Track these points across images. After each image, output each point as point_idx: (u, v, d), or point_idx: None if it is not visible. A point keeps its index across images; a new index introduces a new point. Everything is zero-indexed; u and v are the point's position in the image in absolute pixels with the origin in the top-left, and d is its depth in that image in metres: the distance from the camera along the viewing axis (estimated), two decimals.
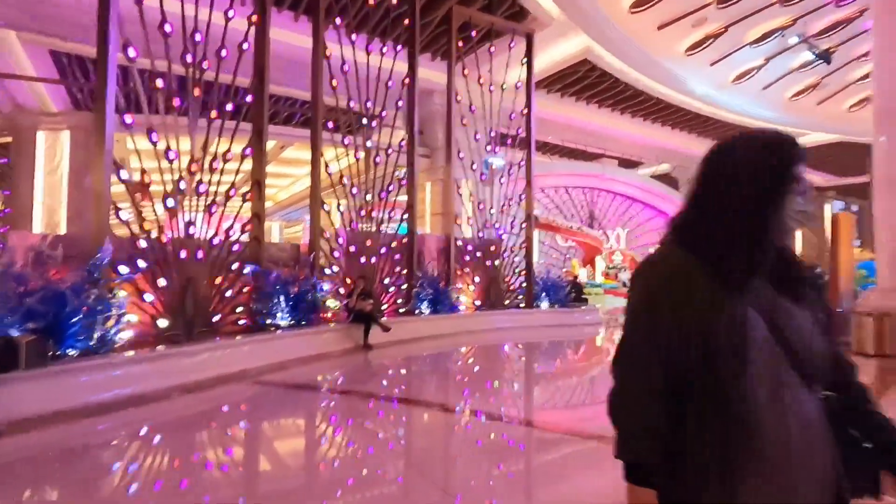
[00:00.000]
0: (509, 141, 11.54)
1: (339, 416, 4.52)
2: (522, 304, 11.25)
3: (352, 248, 8.81)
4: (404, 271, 9.59)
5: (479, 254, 10.75)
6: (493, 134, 11.17)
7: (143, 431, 3.96)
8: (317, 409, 4.71)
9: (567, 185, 23.84)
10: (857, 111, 22.22)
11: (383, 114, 9.42)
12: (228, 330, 6.80)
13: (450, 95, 10.65)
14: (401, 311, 9.43)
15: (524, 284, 11.31)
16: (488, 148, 11.13)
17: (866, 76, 19.61)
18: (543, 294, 11.32)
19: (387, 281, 9.27)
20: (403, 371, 7.00)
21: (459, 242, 10.57)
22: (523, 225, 11.47)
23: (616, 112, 20.80)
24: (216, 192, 6.80)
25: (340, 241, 8.72)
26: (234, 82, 7.04)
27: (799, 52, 17.13)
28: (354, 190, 8.97)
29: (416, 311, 9.55)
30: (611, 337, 10.37)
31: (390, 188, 9.49)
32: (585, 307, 11.72)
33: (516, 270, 11.26)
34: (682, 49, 16.26)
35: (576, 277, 15.03)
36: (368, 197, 9.15)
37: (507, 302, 11.06)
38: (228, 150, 6.96)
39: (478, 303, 10.70)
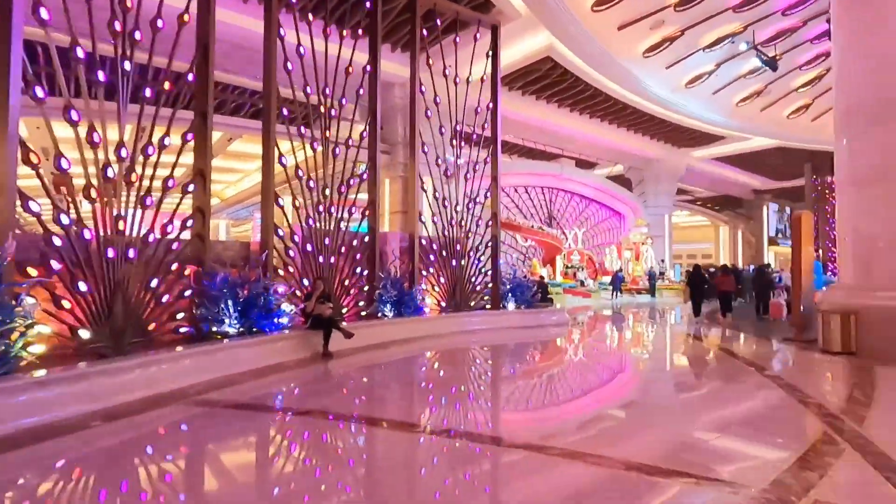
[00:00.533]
0: (474, 136, 11.13)
1: (294, 444, 3.85)
2: (489, 306, 10.87)
3: (308, 247, 8.08)
4: (366, 272, 8.96)
5: (444, 253, 10.26)
6: (458, 128, 10.69)
7: (51, 473, 3.18)
8: (267, 437, 3.98)
9: (526, 185, 23.83)
10: (795, 118, 23.49)
11: (343, 101, 8.74)
12: (167, 340, 5.96)
13: (413, 85, 10.10)
14: (363, 314, 8.79)
15: (490, 285, 10.93)
16: (453, 143, 10.66)
17: (805, 85, 20.74)
18: (510, 295, 10.98)
19: (347, 282, 8.61)
20: (367, 382, 6.38)
21: (423, 241, 10.04)
22: (489, 223, 11.08)
23: (575, 112, 20.93)
24: (151, 184, 5.93)
25: (296, 238, 7.98)
26: (173, 59, 6.18)
27: (747, 59, 17.79)
28: (311, 184, 8.24)
29: (379, 315, 8.94)
30: (582, 338, 10.16)
31: (351, 182, 8.83)
32: (552, 308, 11.50)
33: (482, 270, 10.85)
34: (641, 51, 16.47)
35: (542, 278, 14.85)
36: (327, 192, 8.44)
37: (472, 303, 10.63)
38: (166, 135, 6.10)
39: (443, 304, 10.21)
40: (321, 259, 8.19)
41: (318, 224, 8.28)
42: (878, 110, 7.03)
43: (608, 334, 10.99)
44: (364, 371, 6.78)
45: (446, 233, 10.36)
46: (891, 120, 6.85)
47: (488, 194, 11.20)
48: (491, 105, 11.18)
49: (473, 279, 10.70)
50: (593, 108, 20.43)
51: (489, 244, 11.01)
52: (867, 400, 4.66)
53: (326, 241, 8.31)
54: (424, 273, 10.06)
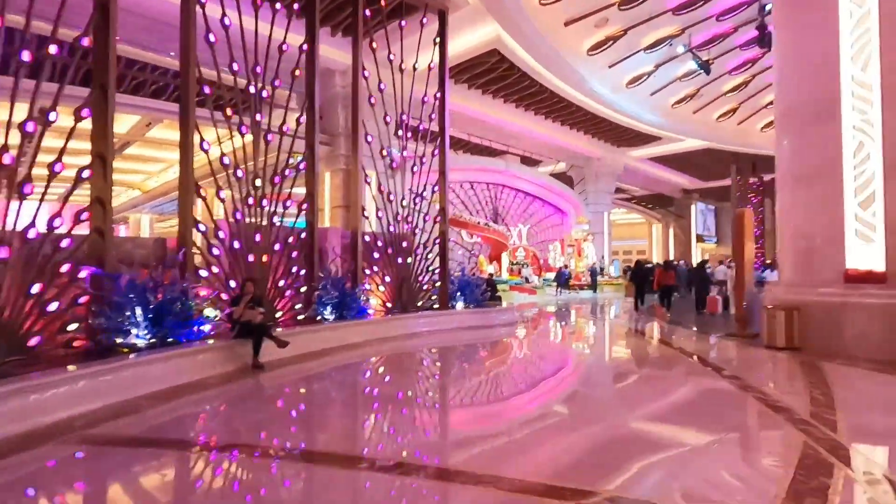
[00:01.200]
0: (421, 128, 10.56)
1: (208, 496, 3.05)
2: (436, 305, 10.37)
3: (236, 245, 7.19)
4: (303, 272, 8.16)
5: (389, 250, 9.63)
6: (404, 118, 10.08)
7: None
8: (171, 488, 3.08)
9: (472, 181, 23.56)
10: (723, 121, 24.81)
11: (277, 83, 7.87)
12: (58, 356, 4.95)
13: (356, 70, 9.37)
14: (300, 318, 8.00)
15: (438, 284, 10.43)
16: (398, 134, 10.03)
17: (733, 90, 21.89)
18: (458, 294, 10.54)
19: (282, 283, 7.78)
20: (304, 398, 5.67)
21: (367, 238, 9.35)
22: (437, 218, 10.57)
23: (520, 108, 20.85)
24: (31, 168, 4.89)
25: (221, 235, 7.05)
26: (60, 21, 5.13)
27: (684, 62, 18.42)
28: (240, 173, 7.33)
29: (319, 318, 8.19)
30: (531, 337, 9.90)
31: (287, 173, 7.99)
32: (501, 306, 11.19)
33: (429, 268, 10.33)
34: (585, 48, 16.56)
35: (491, 276, 14.55)
36: (258, 183, 7.56)
37: (420, 303, 10.09)
38: (52, 110, 5.06)
39: (389, 305, 9.59)
40: (251, 258, 7.32)
41: (248, 219, 7.39)
42: (816, 111, 7.18)
43: (556, 332, 10.83)
44: (299, 385, 6.04)
45: (391, 229, 9.73)
46: (828, 121, 7.01)
47: (436, 189, 10.67)
48: (438, 95, 10.64)
49: (421, 278, 10.15)
50: (538, 104, 20.44)
51: (437, 241, 10.50)
52: (827, 399, 4.59)
53: (257, 237, 7.45)
54: (368, 272, 9.39)
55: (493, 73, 16.92)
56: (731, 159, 29.77)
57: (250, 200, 7.42)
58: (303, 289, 8.16)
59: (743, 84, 21.20)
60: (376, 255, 9.47)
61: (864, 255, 6.67)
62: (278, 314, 7.66)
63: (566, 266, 22.19)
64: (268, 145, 7.74)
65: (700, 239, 42.84)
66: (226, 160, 7.16)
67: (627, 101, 20.86)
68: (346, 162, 16.10)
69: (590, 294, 21.87)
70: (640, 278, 12.82)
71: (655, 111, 22.39)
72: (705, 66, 17.78)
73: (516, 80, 17.80)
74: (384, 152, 9.72)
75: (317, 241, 8.38)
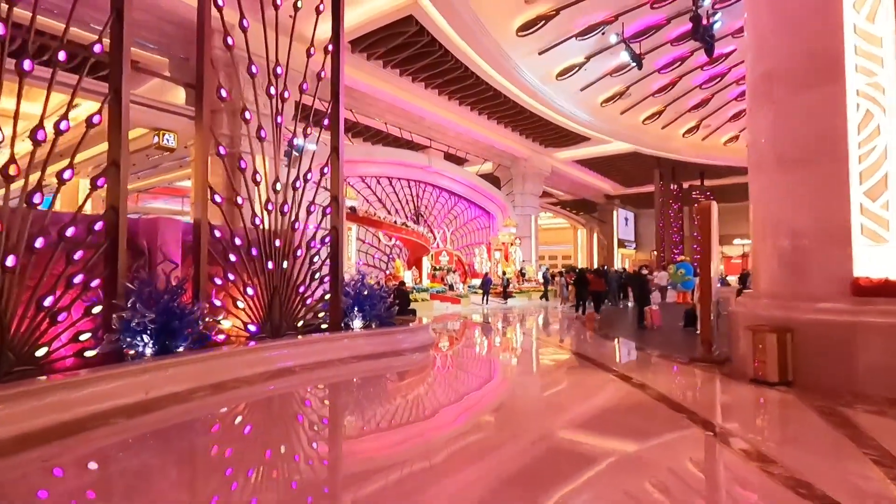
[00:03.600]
0: (314, 104, 7.99)
1: None
2: (326, 325, 7.80)
3: None
4: (96, 282, 5.27)
5: (254, 251, 6.93)
6: (287, 95, 7.52)
7: None
8: None
9: (390, 176, 21.10)
10: (649, 124, 24.40)
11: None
12: None
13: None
14: (89, 353, 5.11)
15: (328, 296, 7.86)
16: (270, 92, 7.39)
17: (661, 90, 21.33)
18: (355, 309, 8.04)
19: (51, 299, 4.84)
20: None
21: (218, 233, 6.60)
22: (327, 210, 8.02)
23: (444, 97, 18.77)
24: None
25: None
26: None
27: (615, 55, 17.30)
28: None
29: (130, 353, 5.35)
30: (449, 370, 7.58)
31: (63, 127, 5.05)
32: (414, 324, 8.79)
33: (316, 276, 7.74)
34: (515, 28, 14.78)
35: (402, 283, 12.06)
36: None
37: (300, 323, 7.45)
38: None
39: (253, 328, 6.88)
40: None
41: None
42: (808, 73, 5.58)
43: (485, 359, 8.58)
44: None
45: (258, 222, 7.04)
46: (826, 84, 5.41)
47: (326, 171, 8.12)
48: (332, 47, 8.11)
49: (302, 289, 7.53)
50: (464, 92, 18.46)
51: (326, 239, 7.95)
52: None
53: None
54: (220, 281, 6.63)
55: (411, 47, 14.63)
56: (654, 164, 29.91)
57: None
58: (96, 308, 5.26)
59: (670, 85, 20.66)
60: (233, 257, 6.73)
61: (875, 259, 5.08)
62: (41, 351, 4.73)
63: (489, 272, 20.23)
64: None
65: (622, 244, 43.48)
66: None
67: (556, 95, 19.50)
68: (229, 143, 13.06)
69: (519, 302, 20.18)
70: (582, 285, 11.69)
71: (584, 108, 21.31)
72: (637, 60, 16.74)
73: (439, 60, 15.64)
74: (263, 133, 7.03)
75: (123, 234, 5.50)
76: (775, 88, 5.96)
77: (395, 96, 17.95)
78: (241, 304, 6.81)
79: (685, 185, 33.34)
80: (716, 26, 15.73)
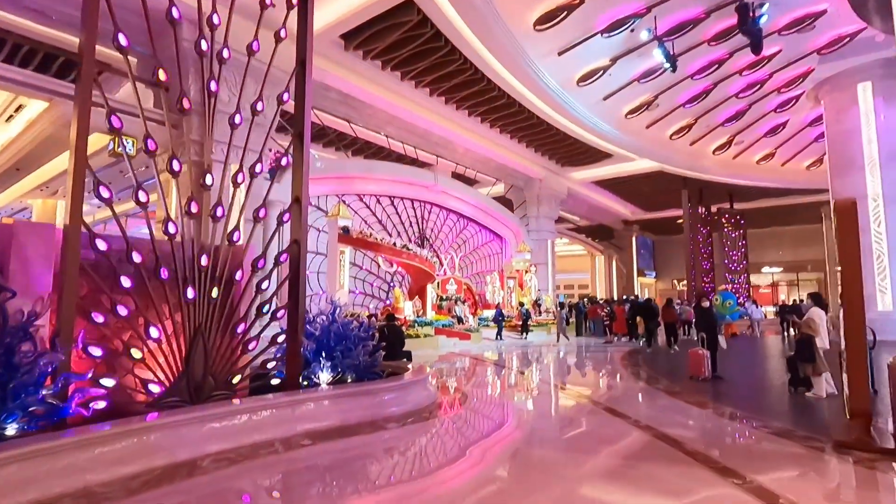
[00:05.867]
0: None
1: None
2: (277, 380, 5.44)
3: None
4: None
5: (164, 273, 4.65)
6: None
7: None
8: None
9: (392, 195, 19.00)
10: (677, 139, 22.23)
11: None
12: None
13: None
14: None
15: (282, 339, 5.53)
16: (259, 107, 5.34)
17: (692, 100, 19.24)
18: (323, 355, 5.68)
19: None
20: None
21: (103, 244, 4.34)
22: (285, 218, 5.78)
23: (451, 105, 16.81)
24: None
25: None
26: None
27: (644, 57, 15.31)
28: None
29: None
30: (458, 450, 5.11)
31: None
32: (407, 376, 6.33)
33: (266, 310, 5.43)
34: (532, 20, 12.84)
35: (390, 316, 9.57)
36: None
37: (237, 379, 5.09)
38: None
39: (156, 388, 4.54)
40: None
41: None
42: None
43: (517, 439, 6.03)
44: None
45: (174, 231, 4.81)
46: None
47: (287, 160, 5.94)
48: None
49: (242, 328, 5.21)
50: (473, 99, 16.49)
51: (283, 258, 5.68)
52: None
53: None
54: (101, 319, 4.34)
55: (412, 43, 12.70)
56: (681, 185, 27.59)
57: None
58: None
59: (703, 94, 18.57)
60: (127, 281, 4.46)
61: None
62: None
63: (522, 304, 17.44)
64: None
65: (641, 273, 40.79)
66: None
67: (577, 103, 17.45)
68: (199, 152, 11.06)
69: (539, 337, 17.63)
70: (651, 316, 11.76)
71: (607, 119, 19.21)
72: (672, 60, 14.70)
73: (444, 60, 13.70)
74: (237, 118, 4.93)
75: None
76: None
77: (396, 105, 16.02)
78: (144, 356, 4.49)
79: (713, 209, 30.88)
80: (762, 20, 13.68)
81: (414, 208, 20.06)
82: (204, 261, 4.93)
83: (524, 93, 16.03)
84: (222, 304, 5.06)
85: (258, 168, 5.59)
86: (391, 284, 18.25)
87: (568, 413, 6.56)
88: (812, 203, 29.74)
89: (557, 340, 15.48)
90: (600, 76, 16.15)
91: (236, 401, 4.87)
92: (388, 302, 16.59)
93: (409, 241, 18.63)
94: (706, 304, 8.05)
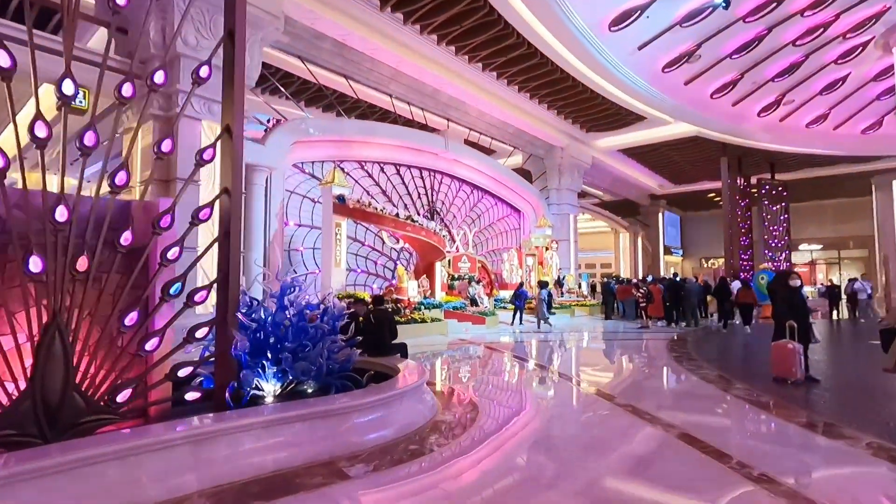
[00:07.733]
0: None
1: None
2: (197, 394, 3.70)
3: None
4: None
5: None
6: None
7: None
8: None
9: (397, 162, 17.07)
10: (720, 98, 19.72)
11: None
12: None
13: None
14: None
15: (201, 332, 3.76)
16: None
17: (741, 48, 16.73)
18: (268, 355, 3.91)
19: None
20: None
21: None
22: (206, 157, 3.95)
23: (462, 57, 14.70)
24: None
25: None
26: None
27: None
28: None
29: None
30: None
31: None
32: (389, 386, 4.52)
33: (174, 290, 3.64)
34: None
35: (378, 299, 7.31)
36: None
37: (122, 397, 3.35)
38: None
39: None
40: None
41: None
42: None
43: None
44: None
45: (5, 166, 3.03)
46: None
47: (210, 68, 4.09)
48: None
49: (132, 319, 3.45)
50: (489, 48, 14.35)
51: (202, 214, 3.87)
52: None
53: None
54: None
55: None
56: (719, 152, 25.06)
57: None
58: None
59: (755, 40, 16.05)
60: None
61: None
62: None
63: (546, 284, 15.30)
64: None
65: (668, 251, 38.36)
66: None
67: (608, 51, 15.14)
68: (163, 106, 9.28)
69: (563, 320, 15.73)
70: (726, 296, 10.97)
71: (641, 72, 16.86)
72: None
73: None
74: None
75: None
76: None
77: (400, 57, 13.99)
78: None
79: (753, 180, 28.21)
80: None
81: (423, 178, 18.12)
82: (61, 215, 3.14)
83: (547, 38, 13.81)
84: (99, 282, 3.30)
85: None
86: (396, 262, 16.48)
87: (635, 448, 4.02)
88: (861, 173, 26.90)
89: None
90: (637, 17, 13.83)
91: (131, 435, 3.14)
92: (392, 281, 14.85)
93: (418, 213, 16.76)
94: (796, 282, 6.04)
